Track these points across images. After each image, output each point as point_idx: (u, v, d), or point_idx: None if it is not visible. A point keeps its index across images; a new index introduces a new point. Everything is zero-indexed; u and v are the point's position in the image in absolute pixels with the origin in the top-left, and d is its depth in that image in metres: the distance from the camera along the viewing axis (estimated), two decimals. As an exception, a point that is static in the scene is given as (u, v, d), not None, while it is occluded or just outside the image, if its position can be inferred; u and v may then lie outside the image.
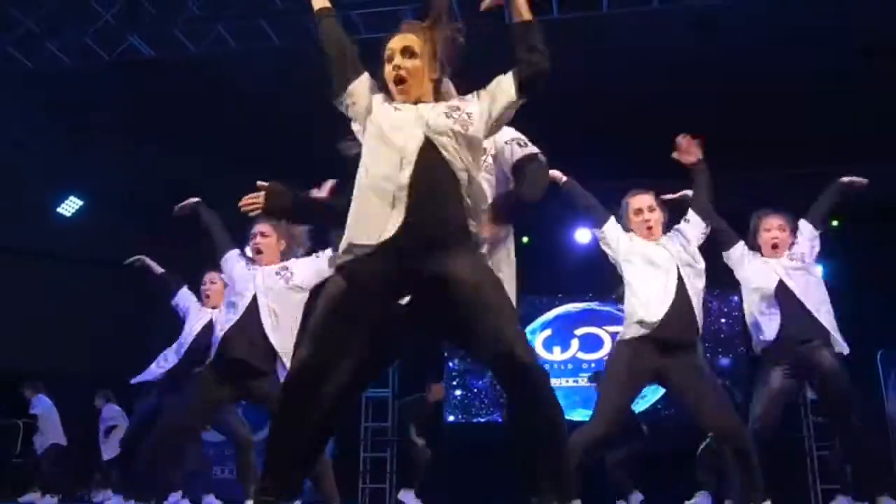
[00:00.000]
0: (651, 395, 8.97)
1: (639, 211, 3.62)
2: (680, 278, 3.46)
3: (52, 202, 9.04)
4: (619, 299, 3.70)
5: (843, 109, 7.21)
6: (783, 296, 3.77)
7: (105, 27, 6.38)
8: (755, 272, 3.93)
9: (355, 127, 2.35)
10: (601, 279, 9.47)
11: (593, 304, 9.48)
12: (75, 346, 8.37)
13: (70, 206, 9.14)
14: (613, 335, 9.25)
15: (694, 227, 3.63)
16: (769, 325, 3.76)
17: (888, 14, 6.09)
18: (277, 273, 3.86)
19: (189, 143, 8.09)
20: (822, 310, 3.77)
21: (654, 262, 3.51)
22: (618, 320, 9.31)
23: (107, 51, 6.58)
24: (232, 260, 4.01)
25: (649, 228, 3.59)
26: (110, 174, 8.63)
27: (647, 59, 6.80)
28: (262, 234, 3.97)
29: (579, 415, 9.10)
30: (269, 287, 3.82)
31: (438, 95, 2.26)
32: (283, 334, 3.75)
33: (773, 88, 7.09)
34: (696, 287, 3.50)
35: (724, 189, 8.49)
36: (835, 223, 8.39)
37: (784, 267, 3.87)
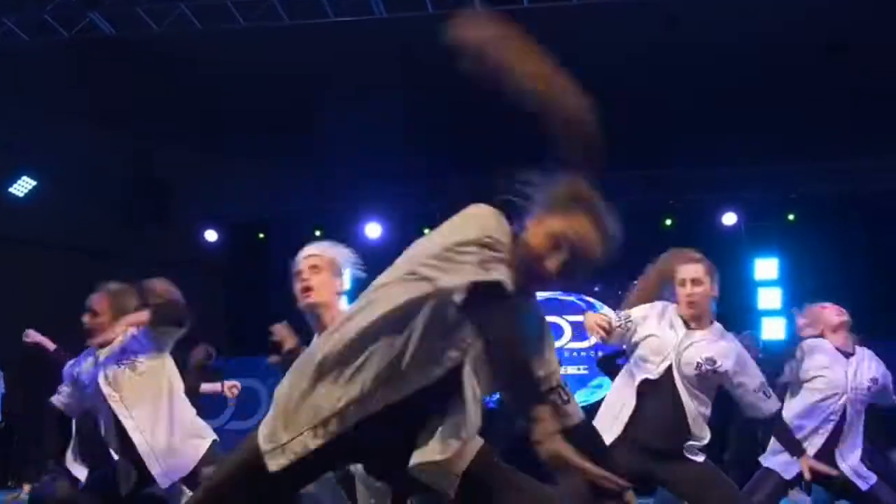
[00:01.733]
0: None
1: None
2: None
3: (5, 182, 8.78)
4: None
5: (806, 106, 7.39)
6: None
7: (65, 4, 6.20)
8: None
9: None
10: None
11: (558, 294, 9.58)
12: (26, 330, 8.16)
13: (23, 186, 8.89)
14: (573, 324, 9.36)
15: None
16: None
17: (853, 12, 6.25)
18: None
19: (149, 124, 7.94)
20: None
21: None
22: (580, 310, 9.43)
23: (66, 28, 6.40)
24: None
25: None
26: (66, 154, 8.41)
27: (616, 50, 6.87)
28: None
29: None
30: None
31: None
32: None
33: (739, 83, 7.22)
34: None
35: (684, 180, 8.71)
36: (791, 217, 8.64)
37: None
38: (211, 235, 9.52)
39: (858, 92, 7.26)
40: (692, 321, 2.99)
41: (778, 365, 3.61)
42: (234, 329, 9.05)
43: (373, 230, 9.04)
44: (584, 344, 9.27)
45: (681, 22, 6.44)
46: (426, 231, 9.22)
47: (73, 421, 4.08)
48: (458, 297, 1.49)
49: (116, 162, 8.60)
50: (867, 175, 8.38)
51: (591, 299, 9.47)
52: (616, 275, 9.56)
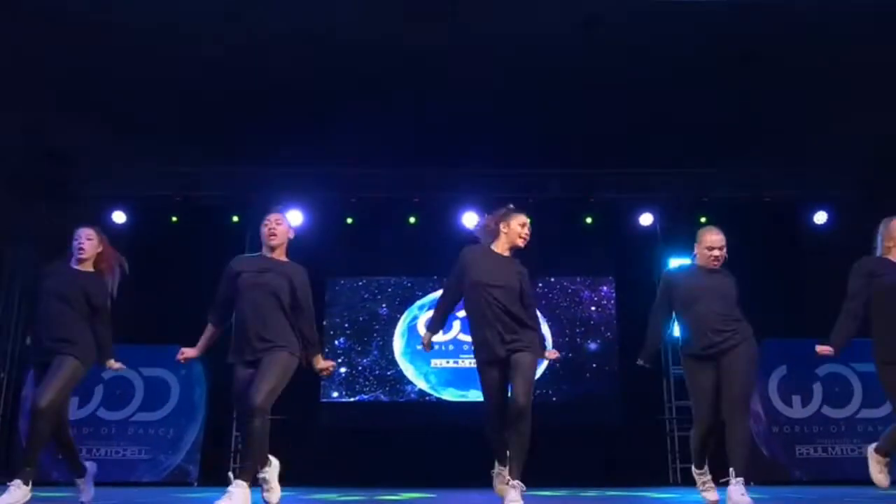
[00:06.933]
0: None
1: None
2: None
3: None
4: None
5: (717, 112, 7.66)
6: None
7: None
8: None
9: None
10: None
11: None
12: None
13: None
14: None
15: None
16: None
17: (764, 24, 6.51)
18: None
19: (46, 91, 7.31)
20: None
21: None
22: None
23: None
24: None
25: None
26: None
27: (533, 49, 6.90)
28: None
29: (451, 394, 9.28)
30: None
31: None
32: None
33: (654, 87, 7.41)
34: None
35: (603, 180, 8.90)
36: (703, 220, 8.98)
37: None
38: (119, 217, 8.97)
39: (765, 100, 7.60)
40: None
41: None
42: (143, 316, 8.56)
43: (294, 217, 8.83)
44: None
45: (601, 25, 6.52)
46: (349, 220, 9.05)
47: None
48: None
49: (3, 130, 7.83)
50: (768, 181, 8.85)
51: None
52: (537, 270, 9.72)
